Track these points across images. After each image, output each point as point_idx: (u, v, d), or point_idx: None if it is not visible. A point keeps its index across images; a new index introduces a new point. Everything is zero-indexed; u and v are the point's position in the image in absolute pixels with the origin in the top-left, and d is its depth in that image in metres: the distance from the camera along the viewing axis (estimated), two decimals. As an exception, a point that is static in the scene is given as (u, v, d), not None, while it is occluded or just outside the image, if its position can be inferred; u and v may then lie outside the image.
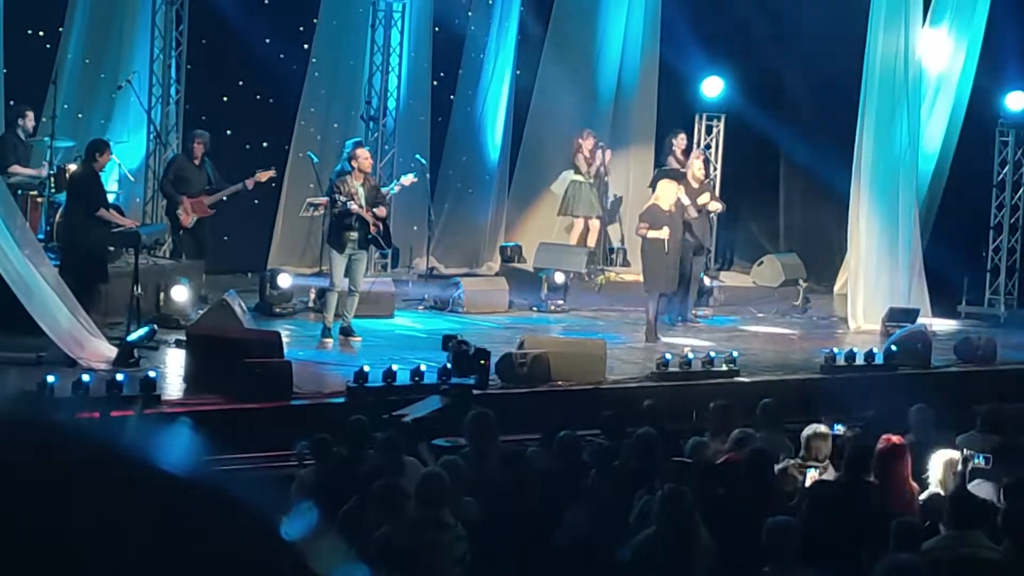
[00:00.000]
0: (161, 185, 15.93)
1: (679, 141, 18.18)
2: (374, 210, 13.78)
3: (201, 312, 13.56)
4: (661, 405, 10.39)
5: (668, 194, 14.93)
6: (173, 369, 11.87)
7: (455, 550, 7.03)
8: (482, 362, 11.67)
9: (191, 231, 15.56)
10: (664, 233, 14.74)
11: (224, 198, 15.67)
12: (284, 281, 15.41)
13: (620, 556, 7.09)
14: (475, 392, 11.38)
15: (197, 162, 15.67)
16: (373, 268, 16.57)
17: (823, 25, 18.95)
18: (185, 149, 15.98)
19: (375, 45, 17.93)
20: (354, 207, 13.54)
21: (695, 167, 16.45)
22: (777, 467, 8.61)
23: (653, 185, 18.69)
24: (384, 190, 15.04)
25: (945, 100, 18.17)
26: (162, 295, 14.08)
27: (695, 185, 16.12)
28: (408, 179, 15.80)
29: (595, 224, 18.21)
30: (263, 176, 15.75)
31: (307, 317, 15.26)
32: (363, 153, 14.19)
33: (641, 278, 18.06)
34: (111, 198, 14.55)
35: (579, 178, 17.90)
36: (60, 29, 16.69)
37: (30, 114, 15.15)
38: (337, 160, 15.64)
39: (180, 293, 14.02)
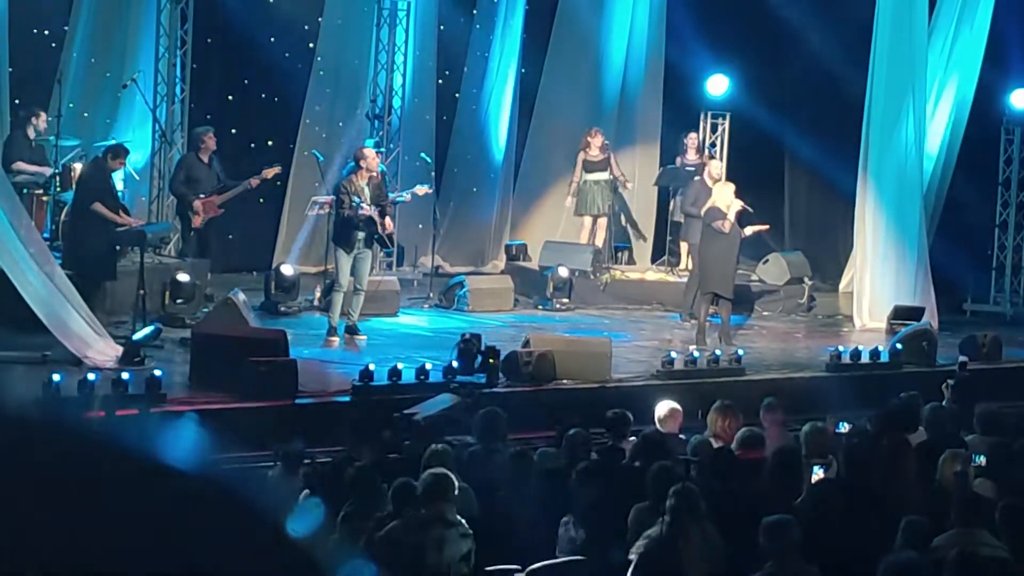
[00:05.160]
0: (172, 186, 15.88)
1: (691, 140, 18.14)
2: (384, 219, 13.78)
3: (206, 310, 13.59)
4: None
5: (725, 196, 14.83)
6: (178, 368, 11.87)
7: (460, 547, 7.03)
8: (491, 360, 11.61)
9: (199, 231, 15.55)
10: (731, 217, 14.61)
11: (232, 196, 15.66)
12: (287, 270, 15.42)
13: (619, 557, 7.08)
14: (485, 391, 11.31)
15: (206, 160, 15.63)
16: (379, 267, 16.58)
17: (828, 23, 18.91)
18: (193, 147, 15.91)
19: (380, 44, 17.91)
20: (366, 208, 13.53)
21: (713, 167, 16.48)
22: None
23: (658, 183, 18.76)
24: (392, 196, 15.04)
25: (950, 98, 18.14)
26: (167, 293, 14.09)
27: (710, 184, 16.05)
28: (423, 189, 15.81)
29: (603, 222, 18.18)
30: (269, 173, 15.73)
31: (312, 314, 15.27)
32: (370, 152, 14.22)
33: (642, 276, 18.25)
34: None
35: (593, 177, 17.84)
36: (65, 28, 16.69)
37: (43, 115, 15.13)
38: (343, 159, 15.62)
39: (184, 276, 14.14)
